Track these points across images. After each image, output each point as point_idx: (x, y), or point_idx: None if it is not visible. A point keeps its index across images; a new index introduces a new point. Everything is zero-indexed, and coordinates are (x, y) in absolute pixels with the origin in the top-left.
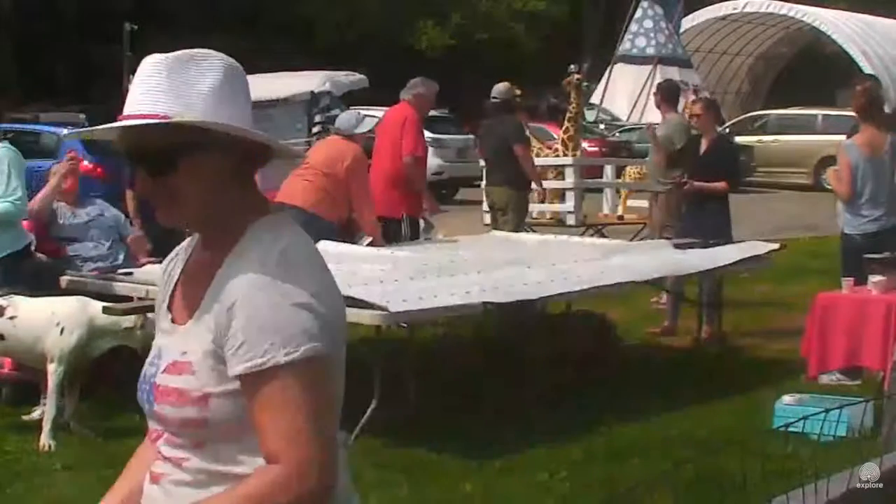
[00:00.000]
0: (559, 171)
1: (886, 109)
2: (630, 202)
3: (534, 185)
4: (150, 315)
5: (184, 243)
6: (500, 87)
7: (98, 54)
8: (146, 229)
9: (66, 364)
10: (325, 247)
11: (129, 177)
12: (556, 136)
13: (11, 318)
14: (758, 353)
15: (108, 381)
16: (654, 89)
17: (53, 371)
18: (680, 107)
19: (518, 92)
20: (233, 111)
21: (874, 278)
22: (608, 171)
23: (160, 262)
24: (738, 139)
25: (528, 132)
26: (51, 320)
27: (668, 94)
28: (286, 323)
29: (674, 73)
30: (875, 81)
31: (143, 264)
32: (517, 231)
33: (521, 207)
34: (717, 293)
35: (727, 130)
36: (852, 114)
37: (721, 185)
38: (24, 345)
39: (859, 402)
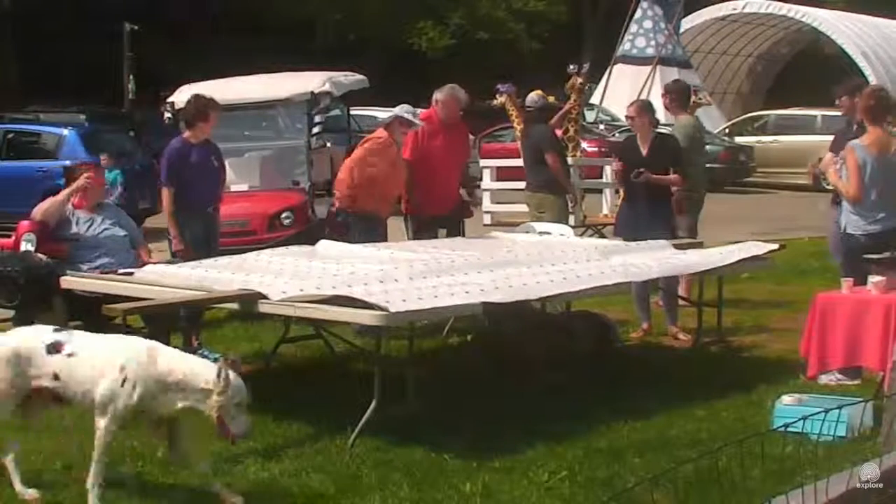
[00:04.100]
0: None
1: None
2: None
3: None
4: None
5: None
6: (531, 97)
7: (98, 54)
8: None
9: (119, 422)
10: (326, 247)
11: (167, 175)
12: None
13: (69, 355)
14: (758, 353)
15: None
16: (652, 90)
17: (103, 427)
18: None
19: (551, 98)
20: None
21: (874, 278)
22: (608, 171)
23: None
24: (739, 139)
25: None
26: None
27: (678, 96)
28: None
29: (673, 73)
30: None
31: (144, 264)
32: None
33: (560, 211)
34: (673, 290)
35: (727, 131)
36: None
37: (674, 177)
38: (81, 388)
39: (859, 402)
